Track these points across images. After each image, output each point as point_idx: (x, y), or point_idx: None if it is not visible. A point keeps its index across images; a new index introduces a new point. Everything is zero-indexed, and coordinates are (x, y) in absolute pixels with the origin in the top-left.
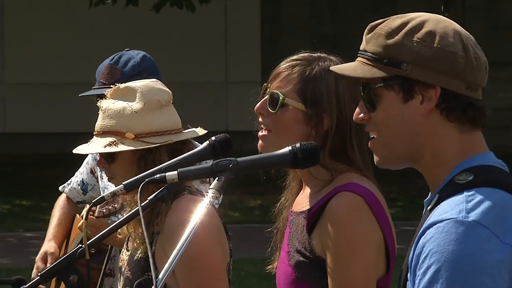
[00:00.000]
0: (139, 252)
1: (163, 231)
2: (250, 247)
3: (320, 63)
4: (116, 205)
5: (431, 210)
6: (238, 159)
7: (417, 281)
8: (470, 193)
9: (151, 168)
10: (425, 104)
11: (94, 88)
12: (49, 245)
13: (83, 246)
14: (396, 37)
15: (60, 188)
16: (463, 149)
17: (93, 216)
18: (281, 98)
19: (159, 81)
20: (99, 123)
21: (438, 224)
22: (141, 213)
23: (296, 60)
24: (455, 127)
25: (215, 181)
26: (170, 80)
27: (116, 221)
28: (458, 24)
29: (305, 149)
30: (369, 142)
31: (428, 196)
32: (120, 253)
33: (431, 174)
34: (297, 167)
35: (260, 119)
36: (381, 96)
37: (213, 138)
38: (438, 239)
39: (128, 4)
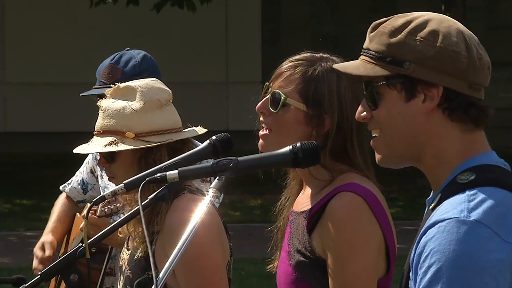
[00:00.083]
0: (139, 251)
1: (163, 230)
2: (251, 247)
3: (322, 64)
4: (118, 205)
5: (433, 209)
6: (239, 158)
7: (418, 280)
8: (472, 192)
9: (152, 167)
10: (427, 103)
11: (94, 88)
12: (47, 236)
13: (83, 245)
14: (399, 36)
15: (60, 187)
16: (465, 148)
17: (95, 215)
18: (282, 98)
19: (159, 81)
20: (99, 122)
21: (440, 224)
22: (141, 212)
23: (298, 60)
24: (457, 127)
25: (216, 180)
26: (170, 80)
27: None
28: None
29: (306, 149)
30: (371, 141)
31: (430, 195)
32: (120, 252)
33: (433, 173)
34: (297, 166)
35: (261, 118)
36: (384, 94)
37: (213, 137)
38: (439, 238)
39: (129, 3)
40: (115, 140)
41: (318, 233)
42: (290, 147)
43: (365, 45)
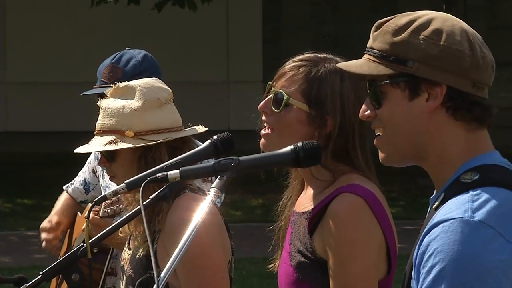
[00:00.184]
0: (141, 250)
1: (164, 230)
2: (252, 246)
3: (325, 64)
4: (120, 206)
5: (436, 208)
6: (240, 158)
7: (421, 279)
8: (475, 192)
9: (151, 166)
10: (430, 102)
11: (95, 87)
12: (49, 217)
13: (85, 245)
14: (403, 35)
15: (64, 187)
16: (468, 148)
17: (97, 216)
18: (285, 98)
19: (159, 80)
20: (99, 122)
21: (443, 223)
22: (143, 212)
23: (302, 60)
24: (460, 126)
25: (217, 180)
26: (171, 79)
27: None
28: None
29: (307, 148)
30: (374, 140)
31: (433, 194)
32: (122, 252)
33: (436, 173)
34: (299, 166)
35: (263, 118)
36: (387, 93)
37: (215, 137)
38: (443, 238)
39: (130, 3)
40: (115, 139)
41: (319, 234)
42: (292, 146)
43: (368, 44)
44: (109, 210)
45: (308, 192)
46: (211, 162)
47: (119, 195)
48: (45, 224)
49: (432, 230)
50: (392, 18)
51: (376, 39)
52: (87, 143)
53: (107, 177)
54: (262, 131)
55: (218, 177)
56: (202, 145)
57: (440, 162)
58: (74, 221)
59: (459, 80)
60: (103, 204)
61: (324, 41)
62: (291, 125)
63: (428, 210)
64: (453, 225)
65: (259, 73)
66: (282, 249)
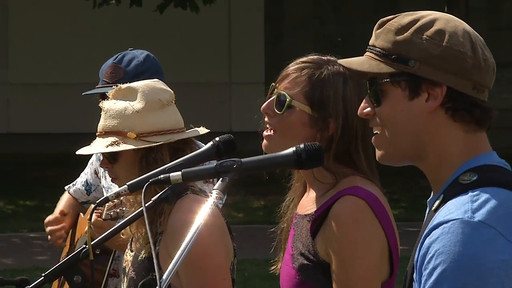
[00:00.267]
0: (143, 252)
1: (167, 231)
2: (254, 248)
3: (329, 67)
4: (123, 208)
5: (435, 210)
6: (242, 159)
7: (422, 281)
8: (475, 193)
9: (153, 168)
10: (430, 102)
11: (97, 87)
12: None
13: (87, 246)
14: (406, 34)
15: (65, 187)
16: (467, 149)
17: (100, 218)
18: (288, 99)
19: (160, 81)
20: (101, 123)
21: (444, 225)
22: (145, 214)
23: (305, 62)
24: (460, 127)
25: (219, 181)
26: (173, 81)
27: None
28: None
29: (309, 150)
30: (373, 138)
31: (431, 196)
32: (124, 254)
33: (434, 173)
34: (301, 168)
35: (266, 119)
36: (387, 91)
37: (217, 138)
38: (444, 240)
39: (132, 4)
40: (117, 141)
41: (322, 236)
42: (294, 148)
43: (370, 42)
44: (112, 213)
45: (311, 195)
46: (213, 163)
47: (121, 197)
48: (48, 217)
49: (433, 232)
50: (395, 17)
51: (379, 37)
52: (89, 144)
53: (109, 178)
54: (265, 133)
55: (220, 178)
56: (204, 147)
57: (438, 162)
58: (77, 221)
59: (460, 81)
60: (106, 206)
61: (326, 42)
62: (294, 127)
63: (427, 212)
64: (454, 226)
65: (261, 74)
66: (284, 251)
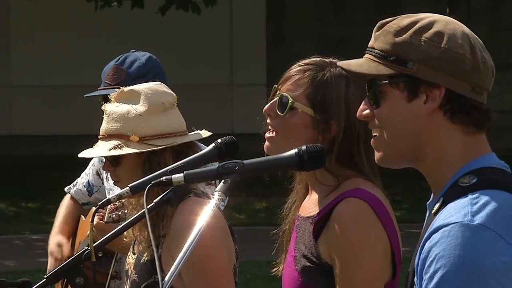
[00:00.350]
0: (145, 255)
1: (169, 234)
2: (255, 250)
3: (331, 69)
4: (125, 211)
5: (435, 213)
6: (244, 161)
7: (423, 285)
8: (474, 195)
9: (156, 171)
10: (428, 104)
11: (99, 89)
12: (58, 237)
13: (89, 248)
14: (405, 36)
15: (66, 189)
16: (466, 151)
17: (102, 221)
18: (290, 101)
19: (163, 84)
20: (104, 126)
21: (444, 228)
22: (147, 216)
23: (308, 64)
24: (458, 129)
25: (221, 183)
26: (175, 82)
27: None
28: None
29: (311, 152)
30: (372, 140)
31: (431, 199)
32: (126, 256)
33: (433, 176)
34: (303, 169)
35: (268, 121)
36: (386, 93)
37: (219, 140)
38: (444, 243)
39: (134, 6)
40: (120, 144)
41: (324, 238)
42: (296, 150)
43: (370, 44)
44: (113, 215)
45: (313, 197)
46: (215, 165)
47: (123, 199)
48: (55, 252)
49: (433, 236)
50: (395, 19)
51: (378, 39)
52: (91, 146)
53: (111, 180)
54: (267, 134)
55: (222, 180)
56: (206, 149)
57: (437, 164)
58: (78, 224)
59: (459, 83)
60: (107, 209)
61: (328, 43)
62: (296, 129)
63: (427, 215)
64: (454, 229)
65: (262, 76)
66: (286, 253)
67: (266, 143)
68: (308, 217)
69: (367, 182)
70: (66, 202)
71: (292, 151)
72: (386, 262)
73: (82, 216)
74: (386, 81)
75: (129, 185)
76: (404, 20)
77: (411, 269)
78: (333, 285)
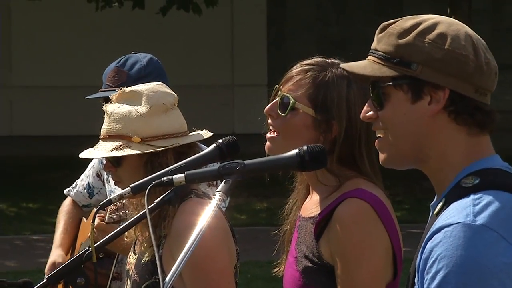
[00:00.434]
0: (146, 255)
1: (170, 234)
2: (256, 250)
3: (333, 70)
4: (126, 212)
5: (438, 214)
6: (245, 161)
7: (425, 286)
8: (476, 196)
9: (158, 172)
10: (433, 106)
11: (100, 91)
12: (57, 253)
13: (90, 249)
14: (408, 37)
15: (65, 191)
16: (470, 152)
17: (103, 222)
18: (291, 101)
19: (164, 84)
20: (105, 127)
21: (445, 229)
22: (148, 216)
23: (309, 65)
24: (462, 130)
25: (222, 183)
26: (176, 83)
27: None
28: None
29: (312, 152)
30: (376, 141)
31: (434, 200)
32: (127, 257)
33: (437, 177)
34: (304, 170)
35: (269, 121)
36: (390, 95)
37: (220, 140)
38: (446, 244)
39: (135, 7)
40: (121, 145)
41: (326, 239)
42: (297, 150)
43: (373, 46)
44: (114, 216)
45: (314, 197)
46: (216, 165)
47: (124, 200)
48: (50, 267)
49: (435, 236)
50: (398, 20)
51: (381, 41)
52: (92, 147)
53: (112, 182)
54: (268, 134)
55: (223, 180)
56: (207, 149)
57: (440, 165)
58: (79, 228)
59: (462, 85)
60: (108, 209)
61: (329, 43)
62: (297, 129)
63: (430, 215)
64: (456, 230)
65: (263, 76)
66: (287, 253)
67: (267, 143)
68: (309, 217)
69: (368, 183)
70: (65, 207)
71: (293, 152)
72: (387, 262)
73: (84, 219)
74: (390, 83)
75: (130, 186)
76: (407, 21)
77: (412, 269)
78: (335, 285)
